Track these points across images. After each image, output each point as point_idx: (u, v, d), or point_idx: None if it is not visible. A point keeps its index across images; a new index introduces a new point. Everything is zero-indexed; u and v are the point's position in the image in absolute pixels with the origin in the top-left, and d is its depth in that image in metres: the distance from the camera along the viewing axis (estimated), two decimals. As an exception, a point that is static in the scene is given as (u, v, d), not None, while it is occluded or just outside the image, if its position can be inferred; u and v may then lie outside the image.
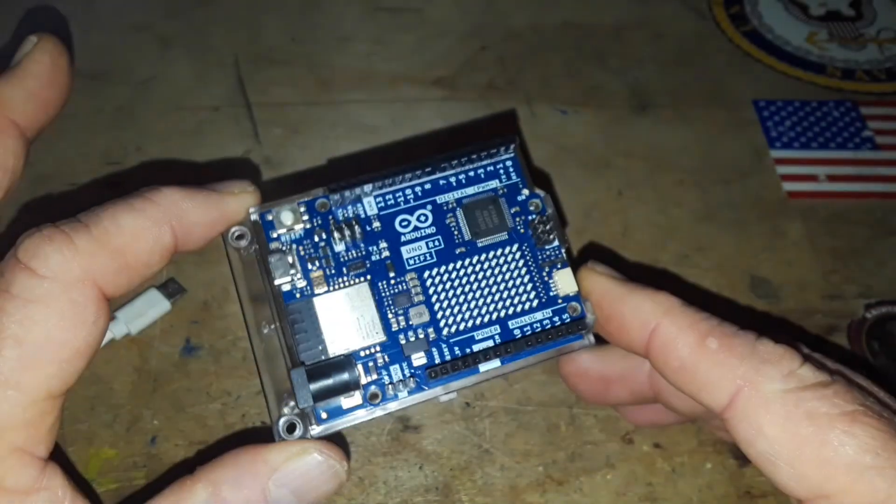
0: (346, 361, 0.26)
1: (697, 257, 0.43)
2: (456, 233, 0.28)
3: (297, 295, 0.27)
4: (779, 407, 0.24)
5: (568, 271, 0.28)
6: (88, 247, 0.24)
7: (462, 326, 0.27)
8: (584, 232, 0.43)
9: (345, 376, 0.26)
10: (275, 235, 0.28)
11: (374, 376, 0.27)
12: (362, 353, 0.27)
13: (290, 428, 0.26)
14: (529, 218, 0.29)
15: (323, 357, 0.27)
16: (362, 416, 0.27)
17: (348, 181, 0.28)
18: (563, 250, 0.29)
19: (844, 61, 0.54)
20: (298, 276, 0.27)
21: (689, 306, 0.26)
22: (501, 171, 0.29)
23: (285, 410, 0.26)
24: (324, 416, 0.26)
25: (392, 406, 0.27)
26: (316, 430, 0.26)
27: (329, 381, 0.26)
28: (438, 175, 0.29)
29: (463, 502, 0.33)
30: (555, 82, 0.52)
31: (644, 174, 0.47)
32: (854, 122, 0.50)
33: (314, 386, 0.26)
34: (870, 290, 0.41)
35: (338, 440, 0.27)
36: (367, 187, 0.28)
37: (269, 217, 0.28)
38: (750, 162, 0.48)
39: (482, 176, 0.29)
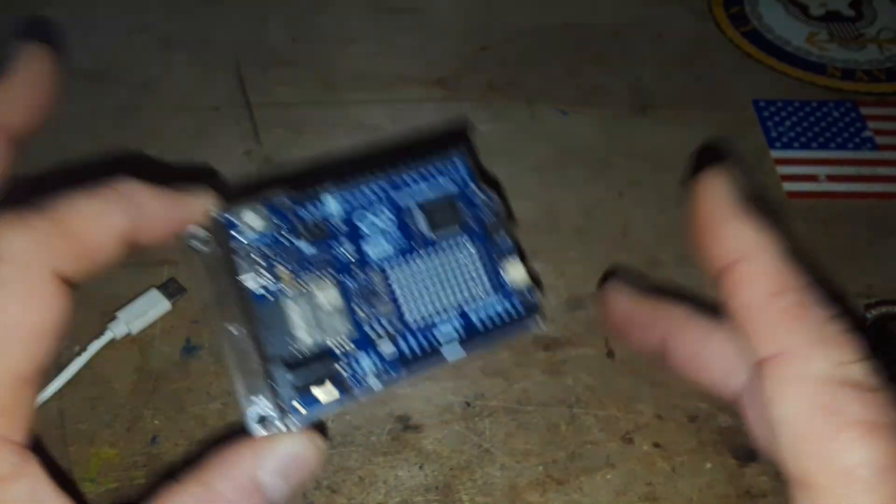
0: (323, 353, 0.27)
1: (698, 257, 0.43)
2: (414, 228, 0.30)
3: (266, 296, 0.28)
4: (809, 388, 0.23)
5: (516, 259, 0.30)
6: (45, 229, 0.24)
7: (425, 314, 0.29)
8: (584, 232, 0.44)
9: (322, 368, 0.27)
10: (237, 235, 0.28)
11: (345, 366, 0.28)
12: (331, 345, 0.28)
13: (261, 419, 0.26)
14: (481, 216, 0.31)
15: (295, 350, 0.28)
16: (337, 404, 0.27)
17: (309, 186, 0.29)
18: (511, 243, 0.30)
19: (844, 61, 0.54)
20: (265, 275, 0.28)
21: (790, 255, 0.25)
22: (455, 175, 0.31)
23: (255, 401, 0.27)
24: (299, 408, 0.27)
25: (364, 393, 0.28)
26: (295, 423, 0.27)
27: (307, 373, 0.27)
28: (395, 177, 0.30)
29: (463, 502, 0.33)
30: (555, 83, 0.52)
31: (644, 174, 0.47)
32: (854, 123, 0.50)
33: (293, 377, 0.27)
34: (870, 290, 0.41)
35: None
36: (329, 189, 0.29)
37: (231, 218, 0.28)
38: (750, 162, 0.48)
39: (436, 177, 0.31)
